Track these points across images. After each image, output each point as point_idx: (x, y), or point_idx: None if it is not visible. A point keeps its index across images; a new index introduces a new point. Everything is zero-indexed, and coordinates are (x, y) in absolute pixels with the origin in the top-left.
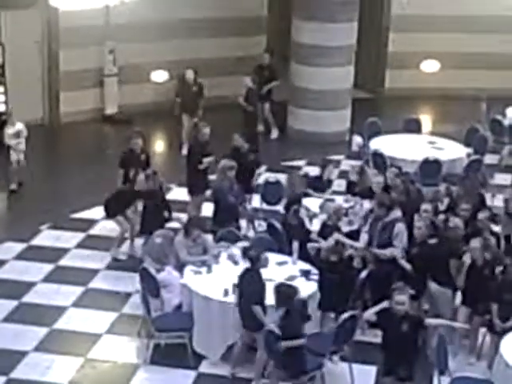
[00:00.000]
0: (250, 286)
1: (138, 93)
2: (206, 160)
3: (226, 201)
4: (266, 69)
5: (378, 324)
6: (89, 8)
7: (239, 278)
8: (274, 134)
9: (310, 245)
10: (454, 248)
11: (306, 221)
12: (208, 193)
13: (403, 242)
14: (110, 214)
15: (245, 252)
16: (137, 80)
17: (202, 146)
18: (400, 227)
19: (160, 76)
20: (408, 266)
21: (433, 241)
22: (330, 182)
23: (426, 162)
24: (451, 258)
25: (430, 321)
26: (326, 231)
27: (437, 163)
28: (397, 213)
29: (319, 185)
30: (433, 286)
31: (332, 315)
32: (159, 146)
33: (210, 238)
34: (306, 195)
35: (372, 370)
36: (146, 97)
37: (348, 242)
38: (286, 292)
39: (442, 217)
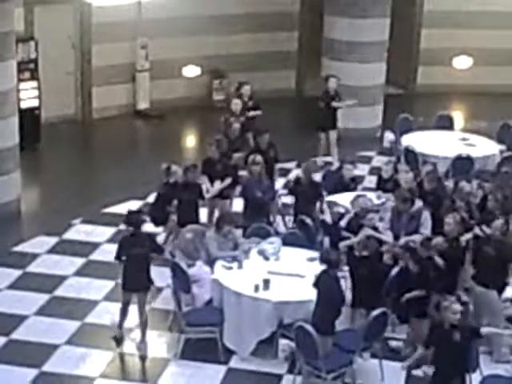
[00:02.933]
0: (328, 289)
1: (169, 88)
2: (236, 156)
3: (253, 196)
4: (337, 96)
5: (429, 341)
6: (121, 3)
7: (316, 279)
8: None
9: (341, 244)
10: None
11: (327, 216)
12: (238, 188)
13: (428, 228)
14: (158, 223)
15: (323, 255)
16: (169, 75)
17: (231, 142)
18: (426, 214)
19: (192, 71)
20: (440, 262)
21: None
22: (353, 181)
23: (458, 158)
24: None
25: (483, 330)
26: (353, 225)
27: (469, 160)
28: (419, 202)
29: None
30: (478, 289)
31: (363, 311)
32: (190, 141)
33: (240, 233)
34: (337, 192)
35: None
36: (178, 92)
37: (378, 235)
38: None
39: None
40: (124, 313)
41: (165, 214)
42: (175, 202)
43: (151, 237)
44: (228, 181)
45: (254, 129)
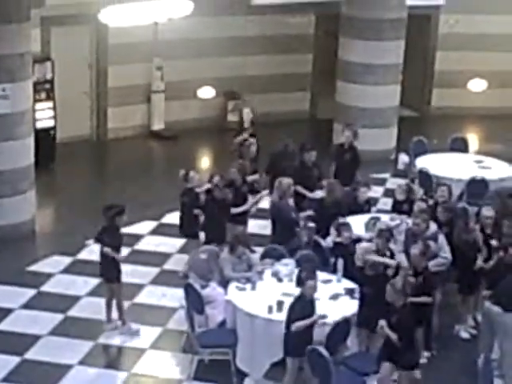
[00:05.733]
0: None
1: (184, 109)
2: (251, 178)
3: (286, 218)
4: (349, 151)
5: None
6: (137, 25)
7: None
8: None
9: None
10: None
11: (346, 235)
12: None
13: (447, 252)
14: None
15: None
16: (183, 96)
17: (249, 163)
18: (442, 238)
19: (207, 93)
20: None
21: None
22: (367, 203)
23: (472, 181)
24: None
25: None
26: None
27: (484, 182)
28: (433, 226)
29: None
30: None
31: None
32: (205, 162)
33: (256, 255)
34: (351, 213)
35: None
36: (193, 113)
37: (382, 260)
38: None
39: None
40: (108, 304)
41: (193, 223)
42: (197, 211)
43: (120, 234)
44: (251, 201)
45: (300, 144)
